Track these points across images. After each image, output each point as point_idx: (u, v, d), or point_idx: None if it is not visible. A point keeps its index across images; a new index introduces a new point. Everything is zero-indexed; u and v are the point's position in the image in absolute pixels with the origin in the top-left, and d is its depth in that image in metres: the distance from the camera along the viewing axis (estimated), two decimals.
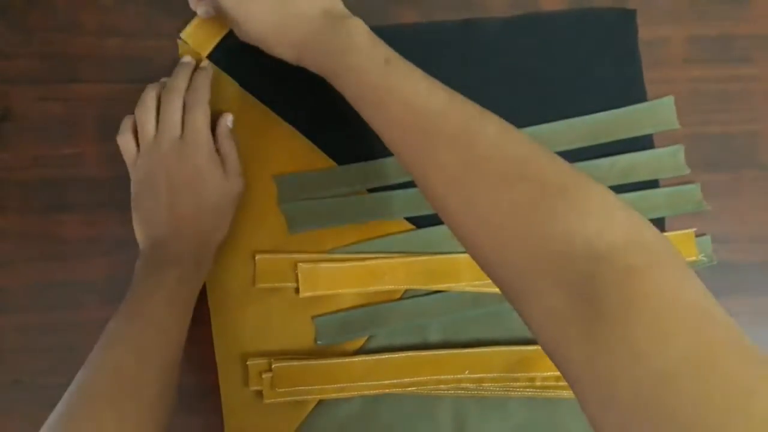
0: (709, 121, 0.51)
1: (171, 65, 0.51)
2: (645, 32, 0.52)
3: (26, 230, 0.50)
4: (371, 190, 0.51)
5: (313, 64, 0.43)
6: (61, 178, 0.51)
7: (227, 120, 0.49)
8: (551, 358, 0.32)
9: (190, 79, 0.48)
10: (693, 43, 0.52)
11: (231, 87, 0.51)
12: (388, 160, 0.51)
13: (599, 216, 0.31)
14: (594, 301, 0.29)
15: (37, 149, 0.51)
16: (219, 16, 0.49)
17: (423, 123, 0.37)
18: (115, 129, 0.51)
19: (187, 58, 0.50)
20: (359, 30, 0.41)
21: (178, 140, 0.46)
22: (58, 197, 0.51)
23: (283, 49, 0.44)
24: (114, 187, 0.51)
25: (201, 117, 0.46)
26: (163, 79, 0.49)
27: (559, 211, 0.32)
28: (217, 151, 0.47)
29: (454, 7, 0.52)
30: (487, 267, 0.35)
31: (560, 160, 0.35)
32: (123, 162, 0.51)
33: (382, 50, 0.40)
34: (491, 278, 0.35)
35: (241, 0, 0.43)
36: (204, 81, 0.48)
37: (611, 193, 0.33)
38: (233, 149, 0.48)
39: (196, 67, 0.50)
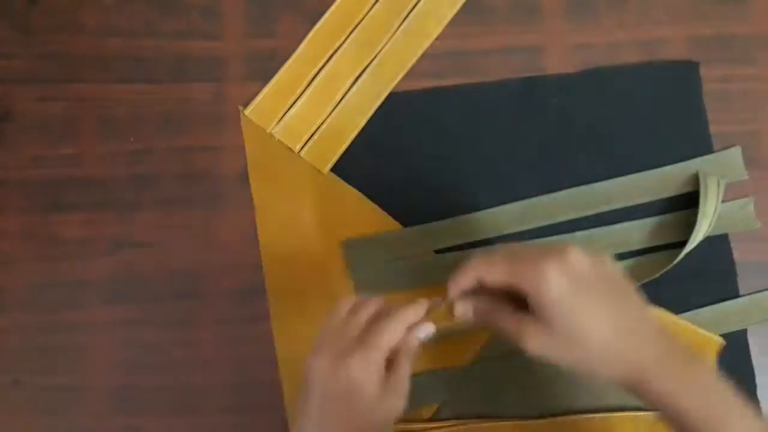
0: (709, 120, 0.51)
1: (171, 65, 0.52)
2: (645, 32, 0.52)
3: (26, 230, 0.50)
4: (439, 252, 0.50)
5: (657, 392, 0.37)
6: (61, 178, 0.51)
7: (421, 334, 0.40)
8: None
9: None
10: (693, 43, 0.52)
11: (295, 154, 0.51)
12: (454, 219, 0.50)
13: None
14: None
15: (37, 149, 0.51)
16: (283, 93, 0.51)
17: None
18: (115, 129, 0.51)
19: (422, 308, 0.40)
20: (715, 371, 0.37)
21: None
22: (58, 197, 0.51)
23: (616, 372, 0.37)
24: (114, 187, 0.51)
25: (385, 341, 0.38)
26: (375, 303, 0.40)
27: None
28: (387, 362, 0.39)
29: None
30: None
31: None
32: (122, 162, 0.51)
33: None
34: None
35: (573, 315, 0.36)
36: (413, 347, 0.39)
37: None
38: (407, 370, 0.39)
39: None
